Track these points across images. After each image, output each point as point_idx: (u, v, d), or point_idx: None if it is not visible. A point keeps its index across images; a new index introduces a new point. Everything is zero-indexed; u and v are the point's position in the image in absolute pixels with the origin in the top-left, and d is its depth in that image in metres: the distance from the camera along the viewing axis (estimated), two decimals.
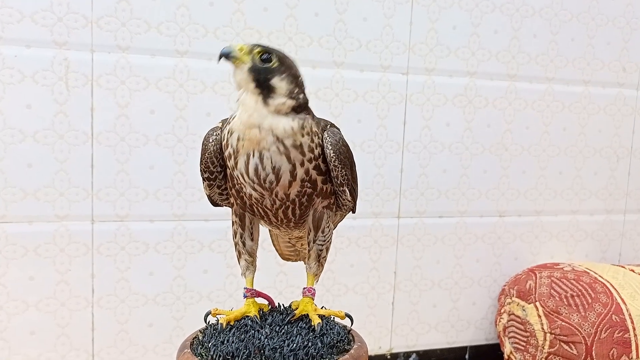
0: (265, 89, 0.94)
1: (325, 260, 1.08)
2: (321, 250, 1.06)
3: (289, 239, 1.18)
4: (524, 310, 1.96)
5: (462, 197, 2.08)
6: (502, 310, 2.08)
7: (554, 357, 1.84)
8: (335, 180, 0.99)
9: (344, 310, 1.08)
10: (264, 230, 1.12)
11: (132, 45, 1.68)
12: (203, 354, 0.95)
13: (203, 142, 1.01)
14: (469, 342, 2.19)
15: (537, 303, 1.92)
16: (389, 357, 2.08)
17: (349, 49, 1.88)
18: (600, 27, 2.15)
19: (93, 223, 1.71)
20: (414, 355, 2.11)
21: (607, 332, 1.81)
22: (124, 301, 1.76)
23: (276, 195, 0.97)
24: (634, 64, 2.21)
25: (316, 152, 0.96)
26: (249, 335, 0.96)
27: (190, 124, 1.75)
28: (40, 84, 1.62)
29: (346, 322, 1.07)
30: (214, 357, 0.92)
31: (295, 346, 0.93)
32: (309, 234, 1.04)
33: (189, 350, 0.97)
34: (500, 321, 2.08)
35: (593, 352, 1.80)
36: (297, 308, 1.05)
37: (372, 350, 2.04)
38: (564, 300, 1.88)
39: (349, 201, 1.04)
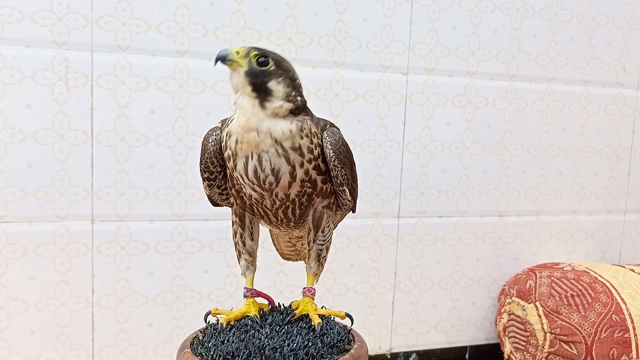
0: (262, 92, 0.94)
1: (325, 260, 1.08)
2: (321, 250, 1.06)
3: (289, 238, 1.19)
4: (524, 310, 1.96)
5: (462, 197, 2.08)
6: (502, 310, 2.08)
7: (554, 357, 1.84)
8: (335, 179, 1.00)
9: (344, 310, 1.08)
10: (264, 230, 1.12)
11: (132, 45, 1.68)
12: (203, 354, 0.95)
13: (203, 142, 1.01)
14: (469, 342, 2.19)
15: (537, 303, 1.92)
16: (389, 356, 2.08)
17: (349, 49, 1.88)
18: (600, 27, 2.15)
19: (93, 223, 1.71)
20: (414, 355, 2.11)
21: (607, 332, 1.81)
22: (124, 301, 1.76)
23: (276, 196, 0.97)
24: (634, 64, 2.21)
25: (316, 152, 0.96)
26: (249, 335, 0.96)
27: (190, 124, 1.75)
28: (40, 84, 1.62)
29: (346, 321, 1.08)
30: (214, 356, 0.92)
31: (296, 346, 0.93)
32: (309, 234, 1.04)
33: (189, 350, 0.97)
34: (500, 321, 2.08)
35: (593, 352, 1.80)
36: (297, 308, 1.05)
37: (372, 350, 2.05)
38: (564, 300, 1.88)
39: (349, 201, 1.04)
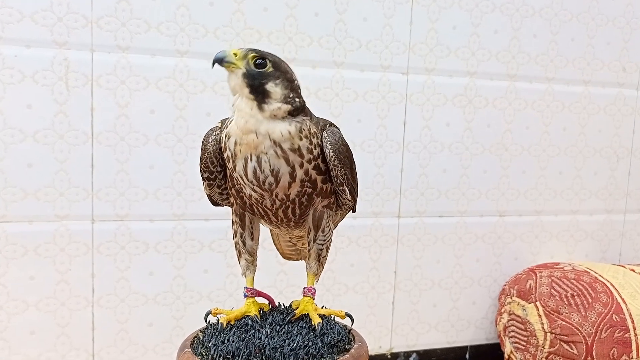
0: (260, 94, 0.94)
1: (325, 259, 1.08)
2: (321, 249, 1.06)
3: (290, 238, 1.19)
4: (524, 309, 1.96)
5: (462, 197, 2.08)
6: (502, 310, 2.08)
7: (555, 357, 1.84)
8: (335, 179, 1.00)
9: (344, 309, 1.08)
10: (264, 230, 1.12)
11: (132, 45, 1.68)
12: (203, 354, 0.95)
13: (202, 142, 1.01)
14: (469, 342, 2.19)
15: (538, 303, 1.92)
16: (389, 356, 2.08)
17: (349, 49, 1.88)
18: (600, 27, 2.15)
19: (93, 223, 1.71)
20: (414, 355, 2.11)
21: (608, 332, 1.81)
22: (124, 301, 1.76)
23: (276, 196, 0.97)
24: (634, 64, 2.21)
25: (315, 152, 0.96)
26: (250, 335, 0.97)
27: (190, 123, 1.75)
28: (41, 83, 1.62)
29: (346, 321, 1.08)
30: (215, 356, 0.92)
31: (296, 345, 0.93)
32: (309, 234, 1.04)
33: (190, 349, 0.97)
34: (500, 321, 2.08)
35: (593, 352, 1.80)
36: (297, 307, 1.05)
37: (373, 350, 2.05)
38: (565, 299, 1.88)
39: (349, 200, 1.04)
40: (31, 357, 1.70)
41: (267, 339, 0.94)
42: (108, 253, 1.73)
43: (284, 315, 1.05)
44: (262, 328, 0.99)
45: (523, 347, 1.95)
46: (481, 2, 2.00)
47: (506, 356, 2.04)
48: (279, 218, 1.01)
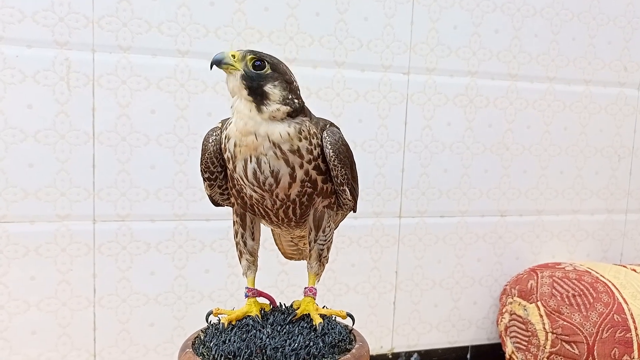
0: (258, 95, 0.94)
1: (326, 259, 1.08)
2: (322, 249, 1.06)
3: (292, 238, 1.19)
4: (525, 309, 1.96)
5: (463, 197, 2.08)
6: (503, 310, 2.08)
7: (556, 357, 1.84)
8: (335, 179, 1.00)
9: (346, 309, 1.08)
10: (265, 230, 1.12)
11: (133, 45, 1.68)
12: (205, 354, 0.95)
13: (203, 142, 1.01)
14: (471, 342, 2.19)
15: (539, 303, 1.92)
16: (390, 356, 2.08)
17: (350, 48, 1.88)
18: (601, 27, 2.15)
19: (94, 223, 1.71)
20: (415, 355, 2.11)
21: (609, 332, 1.81)
22: (126, 301, 1.76)
23: (276, 196, 0.97)
24: (635, 64, 2.21)
25: (315, 152, 0.96)
26: (251, 335, 0.97)
27: (191, 123, 1.75)
28: (42, 84, 1.62)
29: (347, 321, 1.08)
30: (216, 356, 0.92)
31: (297, 346, 0.93)
32: (309, 234, 1.04)
33: (191, 349, 0.97)
34: (501, 321, 2.08)
35: (595, 352, 1.80)
36: (298, 307, 1.06)
37: (374, 350, 2.04)
38: (566, 299, 1.88)
39: (350, 200, 1.04)
40: (32, 357, 1.70)
41: (268, 339, 0.94)
42: (109, 253, 1.73)
43: (285, 316, 1.05)
44: (263, 328, 0.99)
45: (524, 347, 1.94)
46: (482, 2, 2.00)
47: (507, 356, 2.04)
48: (280, 218, 1.01)
